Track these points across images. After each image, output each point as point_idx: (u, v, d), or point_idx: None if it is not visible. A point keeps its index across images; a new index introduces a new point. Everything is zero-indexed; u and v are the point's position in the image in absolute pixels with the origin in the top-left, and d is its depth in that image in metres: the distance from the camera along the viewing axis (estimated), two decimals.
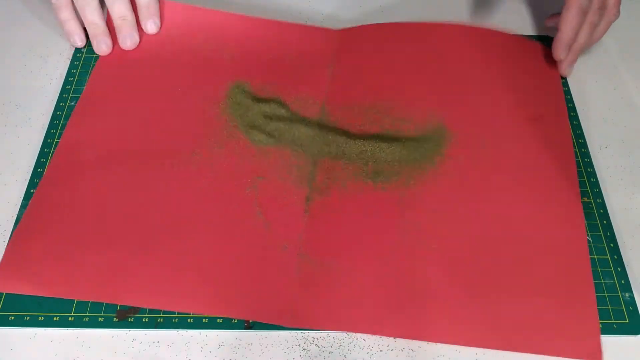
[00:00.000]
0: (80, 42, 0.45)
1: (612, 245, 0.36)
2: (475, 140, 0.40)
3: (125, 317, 0.32)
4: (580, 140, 0.41)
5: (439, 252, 0.35)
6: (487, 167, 0.39)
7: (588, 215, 0.37)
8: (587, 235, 0.36)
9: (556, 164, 0.39)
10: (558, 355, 0.31)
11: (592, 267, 0.35)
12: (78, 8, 0.43)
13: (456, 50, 0.45)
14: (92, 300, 0.33)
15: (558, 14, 0.42)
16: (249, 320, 0.32)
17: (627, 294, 0.34)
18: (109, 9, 0.43)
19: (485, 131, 0.41)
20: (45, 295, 0.32)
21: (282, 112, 0.41)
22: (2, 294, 0.33)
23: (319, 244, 0.35)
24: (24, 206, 0.36)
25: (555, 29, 0.42)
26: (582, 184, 0.39)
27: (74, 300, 0.33)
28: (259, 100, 0.42)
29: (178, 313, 0.32)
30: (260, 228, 0.35)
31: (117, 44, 0.44)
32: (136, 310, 0.33)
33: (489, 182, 0.38)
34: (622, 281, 0.35)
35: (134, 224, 0.35)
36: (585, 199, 0.38)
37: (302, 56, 0.45)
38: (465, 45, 0.45)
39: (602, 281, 0.34)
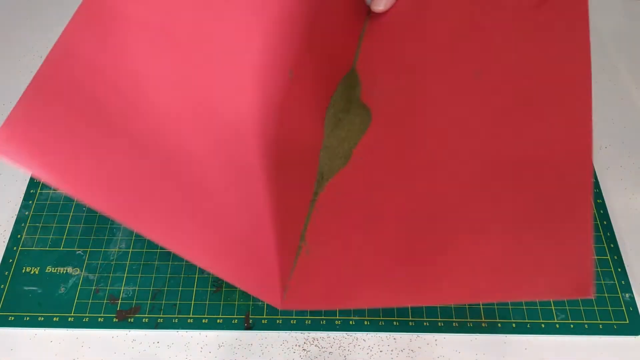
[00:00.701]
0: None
1: (612, 245, 0.36)
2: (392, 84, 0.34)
3: (125, 317, 0.32)
4: None
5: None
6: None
7: None
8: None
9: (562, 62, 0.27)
10: (541, 297, 0.22)
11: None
12: None
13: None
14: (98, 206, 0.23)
15: None
16: (249, 321, 0.33)
17: (627, 295, 0.34)
18: None
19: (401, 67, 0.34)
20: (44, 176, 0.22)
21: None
22: (3, 295, 0.33)
23: (321, 232, 0.33)
24: (24, 206, 0.36)
25: None
26: None
27: (74, 300, 0.33)
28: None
29: (178, 313, 0.33)
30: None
31: None
32: (136, 310, 0.33)
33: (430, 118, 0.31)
34: (622, 282, 0.35)
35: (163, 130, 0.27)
36: None
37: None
38: None
39: (602, 282, 0.34)
